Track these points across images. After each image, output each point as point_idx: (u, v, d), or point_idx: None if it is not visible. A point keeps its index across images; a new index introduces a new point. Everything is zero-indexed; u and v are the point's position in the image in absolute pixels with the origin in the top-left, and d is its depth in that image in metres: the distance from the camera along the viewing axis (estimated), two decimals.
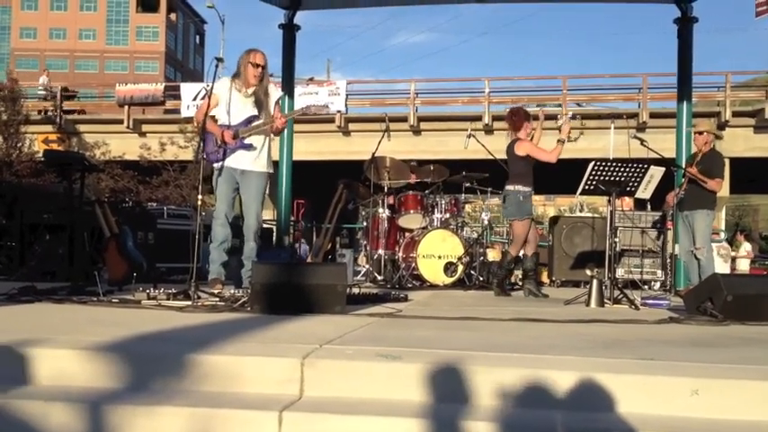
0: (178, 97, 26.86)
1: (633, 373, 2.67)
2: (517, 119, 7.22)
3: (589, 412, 2.52)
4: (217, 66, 5.73)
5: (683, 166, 8.03)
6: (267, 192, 6.35)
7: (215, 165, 6.12)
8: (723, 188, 8.12)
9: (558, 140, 6.96)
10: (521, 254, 7.27)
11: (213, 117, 6.11)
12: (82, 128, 27.75)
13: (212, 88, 5.94)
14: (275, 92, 6.32)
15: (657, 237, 9.64)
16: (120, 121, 27.03)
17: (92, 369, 2.80)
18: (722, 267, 12.45)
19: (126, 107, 27.04)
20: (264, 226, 8.12)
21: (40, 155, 21.69)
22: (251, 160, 6.09)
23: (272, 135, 6.26)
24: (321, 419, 2.46)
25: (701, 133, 7.79)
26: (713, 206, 7.76)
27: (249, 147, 6.05)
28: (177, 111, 26.53)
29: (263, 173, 6.17)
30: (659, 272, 9.64)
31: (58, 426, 2.51)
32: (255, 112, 6.08)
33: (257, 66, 6.04)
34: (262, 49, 6.15)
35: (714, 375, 2.64)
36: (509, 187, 7.13)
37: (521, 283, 7.89)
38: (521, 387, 2.61)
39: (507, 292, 7.20)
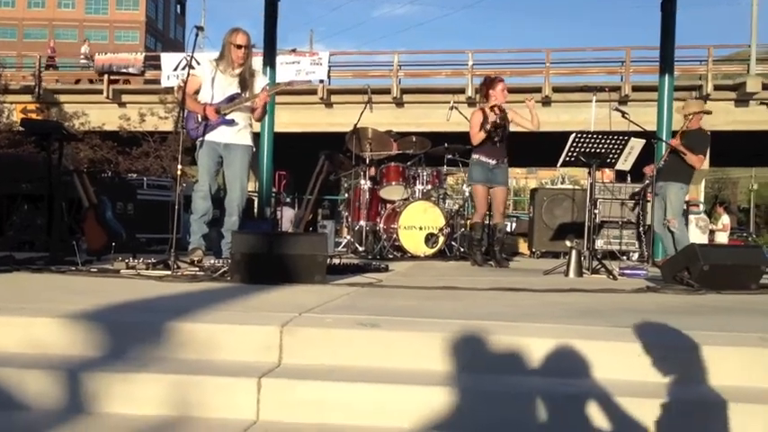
0: (158, 67, 26.56)
1: (608, 339, 2.71)
2: (483, 88, 7.40)
3: (565, 378, 2.55)
4: (197, 35, 5.69)
5: (663, 139, 8.07)
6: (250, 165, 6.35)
7: (197, 140, 6.10)
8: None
9: (484, 128, 7.08)
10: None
11: (195, 95, 6.08)
12: (61, 98, 27.41)
13: (191, 59, 5.88)
14: (262, 79, 6.32)
15: (635, 208, 9.71)
16: (100, 92, 26.72)
17: (69, 337, 2.79)
18: (700, 239, 12.58)
19: (105, 77, 26.70)
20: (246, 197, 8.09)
21: (19, 125, 21.41)
22: (233, 133, 6.06)
23: (253, 119, 6.24)
24: (299, 386, 2.47)
25: (689, 115, 7.75)
26: (688, 181, 7.82)
27: (231, 122, 6.03)
28: (157, 81, 26.23)
29: (247, 146, 6.16)
30: (638, 242, 9.72)
31: (35, 393, 2.51)
32: (239, 91, 6.05)
33: (240, 47, 5.99)
34: (243, 26, 6.12)
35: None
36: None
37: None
38: (498, 354, 2.64)
39: (482, 262, 7.23)
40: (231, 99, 6.03)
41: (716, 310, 3.74)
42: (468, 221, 9.20)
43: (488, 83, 7.33)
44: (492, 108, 7.10)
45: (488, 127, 7.01)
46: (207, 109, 5.93)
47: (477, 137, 7.12)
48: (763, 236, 42.23)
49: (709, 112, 8.11)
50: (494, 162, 7.15)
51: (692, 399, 2.42)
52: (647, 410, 2.34)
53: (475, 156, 7.24)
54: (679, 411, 2.34)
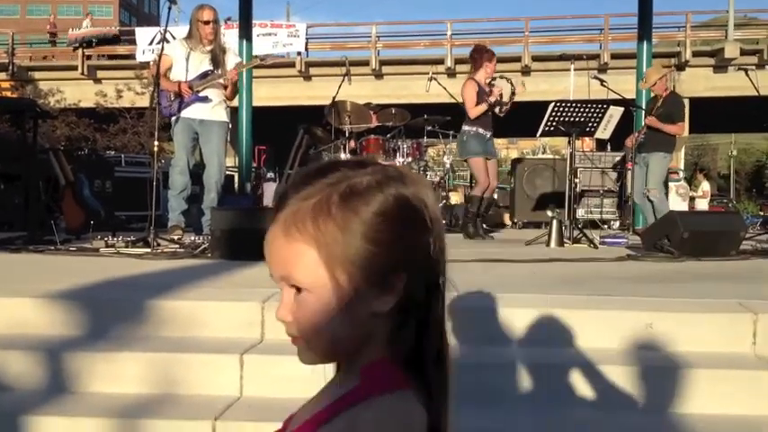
0: (133, 42, 26.17)
1: (590, 308, 2.72)
2: (478, 57, 7.05)
3: (548, 347, 2.56)
4: (170, 8, 5.59)
5: (642, 108, 8.07)
6: (228, 140, 6.29)
7: (171, 117, 6.05)
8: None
9: (486, 101, 6.81)
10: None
11: (167, 74, 6.01)
12: (36, 75, 26.95)
13: (165, 34, 5.81)
14: (234, 57, 6.25)
15: (617, 177, 9.75)
16: (75, 68, 26.29)
17: (50, 317, 2.77)
18: (680, 206, 12.66)
19: (80, 52, 26.29)
20: (226, 173, 8.03)
21: None
22: (208, 110, 6.02)
23: (226, 97, 6.16)
24: (282, 361, 2.47)
25: (654, 84, 7.71)
26: (671, 149, 7.81)
27: (205, 99, 5.98)
28: (132, 56, 25.87)
29: (223, 122, 6.11)
30: (618, 211, 9.78)
31: (17, 374, 2.49)
32: (211, 68, 6.00)
33: (207, 22, 5.94)
34: (212, 1, 6.05)
35: (667, 309, 2.70)
36: (462, 127, 7.08)
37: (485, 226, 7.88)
38: (481, 324, 2.65)
39: (475, 235, 7.13)
40: (204, 76, 5.98)
41: (695, 277, 3.78)
42: (451, 193, 9.24)
43: (485, 53, 7.04)
44: (489, 83, 6.89)
45: (492, 100, 6.78)
46: (181, 85, 5.88)
47: (477, 110, 6.76)
48: (743, 202, 42.69)
49: (670, 70, 8.06)
50: (489, 134, 6.97)
51: (669, 365, 2.44)
52: (627, 377, 2.37)
53: (471, 128, 6.88)
54: (656, 376, 2.37)
